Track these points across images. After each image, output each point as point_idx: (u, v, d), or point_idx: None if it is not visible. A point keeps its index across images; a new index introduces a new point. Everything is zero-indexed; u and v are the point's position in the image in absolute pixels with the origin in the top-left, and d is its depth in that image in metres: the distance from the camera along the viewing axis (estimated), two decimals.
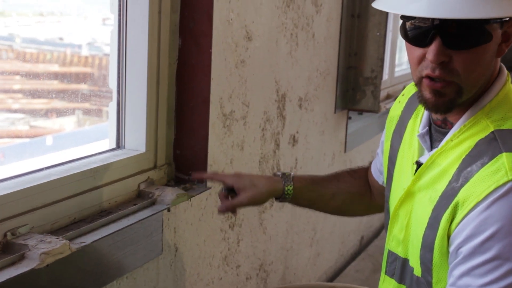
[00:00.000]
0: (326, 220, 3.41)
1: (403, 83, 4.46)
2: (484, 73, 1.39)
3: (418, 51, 1.37)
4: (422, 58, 1.37)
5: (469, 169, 1.36)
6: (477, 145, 1.38)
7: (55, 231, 1.59)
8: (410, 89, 1.69)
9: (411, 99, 1.65)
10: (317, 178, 1.90)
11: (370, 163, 1.96)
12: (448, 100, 1.38)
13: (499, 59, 1.44)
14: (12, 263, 1.41)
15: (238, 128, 2.36)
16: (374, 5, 1.42)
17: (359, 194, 1.91)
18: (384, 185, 1.77)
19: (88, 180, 1.71)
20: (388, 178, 1.68)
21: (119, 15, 1.87)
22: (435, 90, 1.37)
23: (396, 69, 4.50)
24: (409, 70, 1.46)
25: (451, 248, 1.38)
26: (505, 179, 1.30)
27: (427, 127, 1.53)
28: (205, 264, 2.30)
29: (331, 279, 3.59)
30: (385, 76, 4.00)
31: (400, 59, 4.74)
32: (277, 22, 2.56)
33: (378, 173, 1.86)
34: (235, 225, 2.46)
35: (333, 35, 3.16)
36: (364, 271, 3.71)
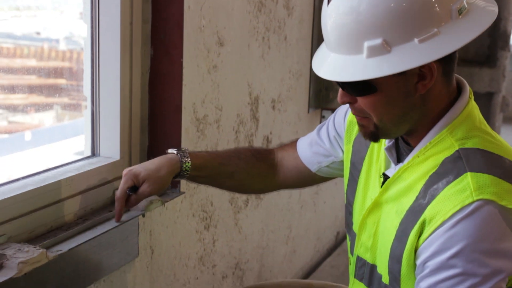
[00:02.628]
0: (301, 217, 3.48)
1: None
2: (399, 112, 1.46)
3: None
4: None
5: (435, 186, 1.42)
6: (443, 163, 1.44)
7: (33, 240, 1.65)
8: None
9: None
10: (216, 155, 1.89)
11: (282, 146, 2.00)
12: (370, 132, 1.51)
13: (441, 89, 1.46)
14: None
15: (212, 132, 2.42)
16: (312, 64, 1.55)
17: (259, 175, 1.92)
18: (321, 174, 1.89)
19: (64, 189, 1.77)
20: (351, 182, 1.73)
21: (92, 26, 1.92)
22: (359, 123, 1.53)
23: None
24: None
25: (418, 261, 1.44)
26: (470, 199, 1.36)
27: (393, 140, 1.58)
28: (181, 265, 2.36)
29: (307, 275, 3.67)
30: None
31: None
32: (248, 26, 2.61)
33: (314, 162, 1.89)
34: (210, 226, 2.53)
35: (305, 36, 3.22)
36: (339, 266, 3.79)
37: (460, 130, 1.47)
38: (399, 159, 1.58)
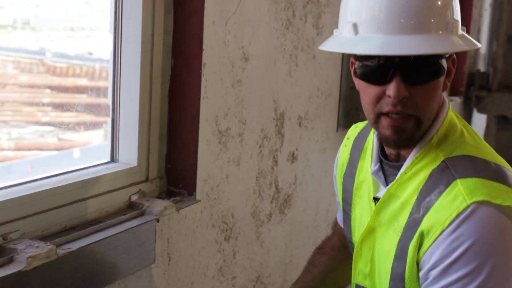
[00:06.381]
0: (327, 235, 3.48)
1: None
2: (436, 106, 1.47)
3: (375, 89, 1.41)
4: (380, 96, 1.41)
5: (427, 199, 1.43)
6: (431, 175, 1.45)
7: (46, 238, 1.71)
8: (354, 132, 1.76)
9: (356, 141, 1.73)
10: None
11: (332, 226, 2.03)
12: (409, 135, 1.44)
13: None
14: (1, 265, 1.53)
15: (234, 145, 2.47)
16: (322, 47, 1.48)
17: (340, 264, 1.95)
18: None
19: (79, 190, 1.83)
20: (346, 219, 1.73)
21: (114, 37, 1.99)
22: (396, 127, 1.42)
23: None
24: None
25: (421, 273, 1.45)
26: (465, 204, 1.37)
27: (379, 164, 1.58)
28: (199, 274, 2.40)
29: None
30: None
31: None
32: (275, 43, 2.66)
33: None
34: (231, 237, 2.56)
35: (335, 56, 3.25)
36: None
37: (444, 140, 1.48)
38: (387, 182, 1.57)
